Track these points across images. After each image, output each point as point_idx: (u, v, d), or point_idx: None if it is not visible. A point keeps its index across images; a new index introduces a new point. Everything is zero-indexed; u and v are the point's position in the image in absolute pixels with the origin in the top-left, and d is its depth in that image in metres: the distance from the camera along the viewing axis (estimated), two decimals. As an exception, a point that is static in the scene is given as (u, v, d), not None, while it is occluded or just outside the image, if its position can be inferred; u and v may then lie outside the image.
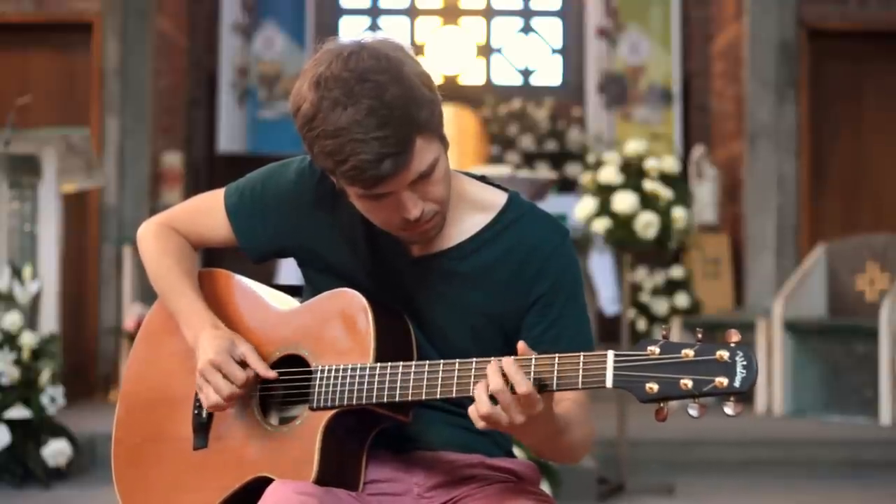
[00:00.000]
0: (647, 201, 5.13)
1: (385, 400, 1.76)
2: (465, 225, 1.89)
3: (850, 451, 5.87)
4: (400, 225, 1.80)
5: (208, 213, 2.03)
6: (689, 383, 1.53)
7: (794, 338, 6.90)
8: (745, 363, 1.51)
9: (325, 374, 1.81)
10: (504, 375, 1.63)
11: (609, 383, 1.59)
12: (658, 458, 5.71)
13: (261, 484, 1.79)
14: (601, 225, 5.16)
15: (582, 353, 1.63)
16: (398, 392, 1.75)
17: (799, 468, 5.70)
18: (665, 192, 5.14)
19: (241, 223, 1.99)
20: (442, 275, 1.89)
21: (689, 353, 1.54)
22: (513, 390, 1.62)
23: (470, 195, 1.92)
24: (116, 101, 7.87)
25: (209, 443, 1.89)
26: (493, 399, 1.64)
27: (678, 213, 5.14)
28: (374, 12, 10.71)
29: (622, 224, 5.12)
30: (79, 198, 7.06)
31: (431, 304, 1.89)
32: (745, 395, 1.51)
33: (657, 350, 1.56)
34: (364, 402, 1.77)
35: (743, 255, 8.28)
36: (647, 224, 5.09)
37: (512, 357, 1.65)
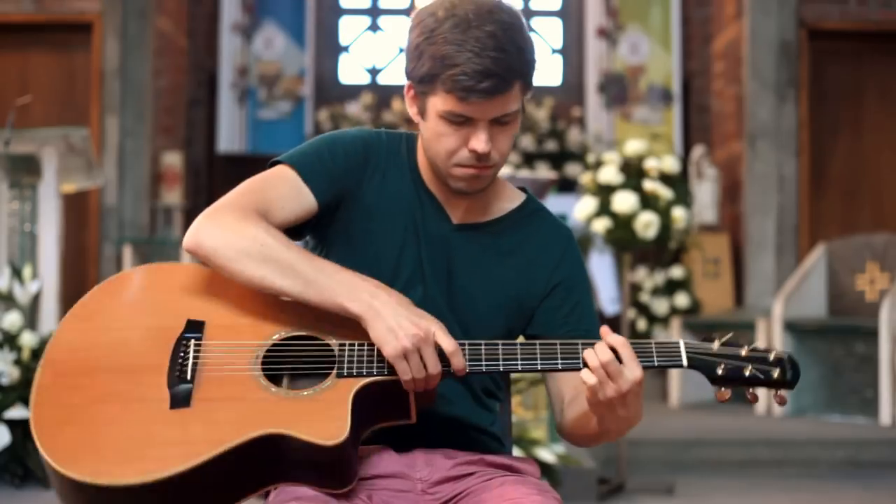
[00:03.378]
0: (647, 201, 5.13)
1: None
2: (498, 206, 2.04)
3: (850, 451, 5.88)
4: (463, 158, 1.89)
5: (272, 186, 1.94)
6: (752, 371, 1.82)
7: (794, 338, 6.90)
8: (791, 363, 1.83)
9: (349, 348, 1.84)
10: (614, 349, 1.79)
11: (685, 363, 1.83)
12: (658, 457, 5.72)
13: (265, 443, 1.78)
14: (601, 225, 5.16)
15: (653, 341, 1.84)
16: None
17: (799, 468, 5.71)
18: (665, 192, 5.14)
19: (308, 170, 1.94)
20: (481, 245, 2.00)
21: (746, 350, 1.83)
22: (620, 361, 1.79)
23: (499, 184, 2.06)
24: (116, 101, 7.87)
25: (193, 403, 1.88)
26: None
27: (678, 213, 5.14)
28: (374, 12, 10.71)
29: (622, 224, 5.13)
30: (79, 198, 7.06)
31: (469, 270, 1.98)
32: (791, 389, 1.83)
33: (717, 345, 1.84)
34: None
35: (743, 255, 8.28)
36: (647, 224, 5.09)
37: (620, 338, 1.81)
